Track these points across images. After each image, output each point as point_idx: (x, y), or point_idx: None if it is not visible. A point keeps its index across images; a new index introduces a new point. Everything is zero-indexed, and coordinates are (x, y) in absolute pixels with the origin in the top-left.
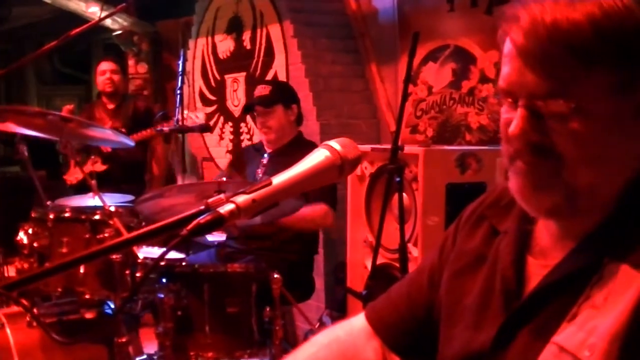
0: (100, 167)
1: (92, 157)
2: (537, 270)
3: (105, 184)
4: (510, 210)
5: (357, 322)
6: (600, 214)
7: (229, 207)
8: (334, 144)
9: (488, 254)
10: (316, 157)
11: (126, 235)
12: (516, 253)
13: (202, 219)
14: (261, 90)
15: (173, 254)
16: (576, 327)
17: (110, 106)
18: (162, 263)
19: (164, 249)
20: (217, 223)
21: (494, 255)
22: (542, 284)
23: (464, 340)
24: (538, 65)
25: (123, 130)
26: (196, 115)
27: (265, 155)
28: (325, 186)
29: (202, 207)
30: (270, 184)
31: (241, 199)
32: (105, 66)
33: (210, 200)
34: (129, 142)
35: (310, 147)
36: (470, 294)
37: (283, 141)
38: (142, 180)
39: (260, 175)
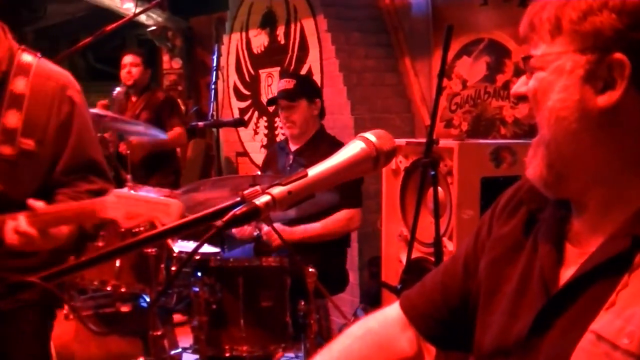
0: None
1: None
2: (574, 258)
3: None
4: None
5: (392, 313)
6: (629, 205)
7: (265, 198)
8: (370, 135)
9: (526, 241)
10: (352, 149)
11: (161, 227)
12: (554, 240)
13: (237, 210)
14: (285, 84)
15: (208, 249)
16: (614, 314)
17: (134, 98)
18: (197, 257)
19: (202, 244)
20: (253, 214)
21: (533, 242)
22: (579, 272)
23: (500, 327)
24: (525, 34)
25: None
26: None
27: (290, 155)
28: (346, 189)
29: (238, 199)
30: (306, 175)
31: (277, 190)
32: (126, 59)
33: (245, 192)
34: (162, 135)
35: (331, 141)
36: (508, 282)
37: (306, 136)
38: (171, 170)
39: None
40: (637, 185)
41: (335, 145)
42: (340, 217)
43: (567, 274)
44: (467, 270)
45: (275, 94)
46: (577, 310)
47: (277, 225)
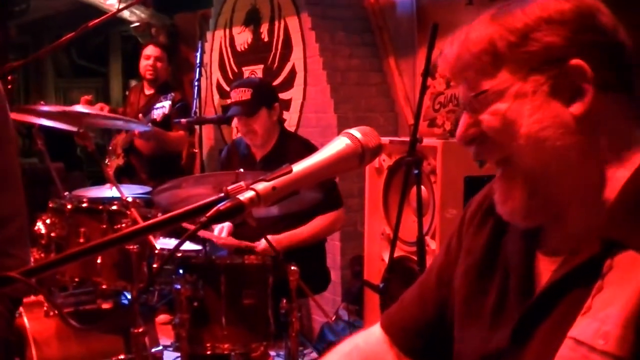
0: (120, 160)
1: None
2: (547, 266)
3: (127, 177)
4: None
5: (375, 330)
6: (598, 209)
7: (249, 194)
8: (355, 132)
9: (499, 251)
10: (337, 145)
11: (143, 223)
12: (525, 250)
13: (221, 206)
14: (241, 94)
15: (190, 246)
16: (590, 318)
17: (148, 91)
18: (179, 254)
19: (185, 240)
20: (237, 210)
21: (505, 252)
22: (552, 280)
23: (481, 339)
24: (456, 76)
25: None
26: (162, 106)
27: (257, 164)
28: (325, 192)
29: (222, 195)
30: (290, 171)
31: (261, 186)
32: (150, 51)
33: (229, 187)
34: (145, 127)
35: (297, 140)
36: (484, 293)
37: (270, 143)
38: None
39: None
40: (609, 187)
41: (305, 143)
42: (323, 221)
43: (542, 283)
44: (441, 282)
45: (230, 104)
46: (556, 318)
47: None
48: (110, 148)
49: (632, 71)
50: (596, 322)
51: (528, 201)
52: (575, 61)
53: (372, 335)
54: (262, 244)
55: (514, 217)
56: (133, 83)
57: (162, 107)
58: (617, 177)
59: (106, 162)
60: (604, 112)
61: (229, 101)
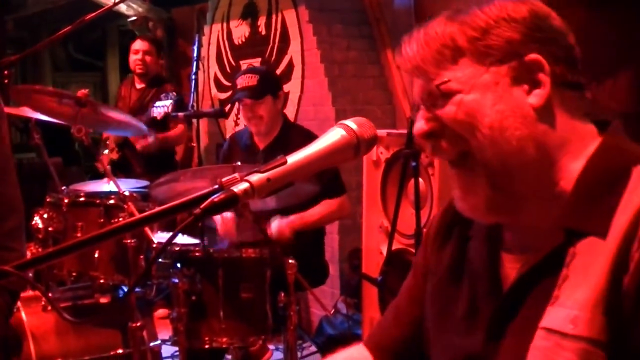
0: (114, 154)
1: (107, 142)
2: (513, 265)
3: (122, 172)
4: None
5: (362, 350)
6: (557, 200)
7: (243, 185)
8: (350, 122)
9: (465, 259)
10: (332, 136)
11: (139, 215)
12: (489, 252)
13: (216, 197)
14: (248, 80)
15: (188, 240)
16: (559, 307)
17: (139, 85)
18: (177, 248)
19: (179, 232)
20: (231, 202)
21: (470, 259)
22: (518, 276)
23: (456, 346)
24: (415, 69)
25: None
26: (164, 105)
27: (259, 154)
28: (326, 181)
29: (216, 186)
30: (285, 162)
31: (255, 177)
32: (139, 45)
33: (224, 179)
34: (143, 127)
35: (299, 131)
36: (456, 303)
37: (273, 132)
38: (167, 171)
39: None
40: (565, 178)
41: (307, 134)
42: (330, 205)
43: (509, 282)
44: (413, 301)
45: (236, 91)
46: (526, 313)
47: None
48: (102, 139)
49: (581, 74)
50: (565, 309)
51: (491, 195)
52: (533, 55)
53: (361, 354)
54: (273, 227)
55: (476, 213)
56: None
57: (164, 107)
58: (572, 169)
59: (105, 152)
60: (559, 105)
61: (232, 97)
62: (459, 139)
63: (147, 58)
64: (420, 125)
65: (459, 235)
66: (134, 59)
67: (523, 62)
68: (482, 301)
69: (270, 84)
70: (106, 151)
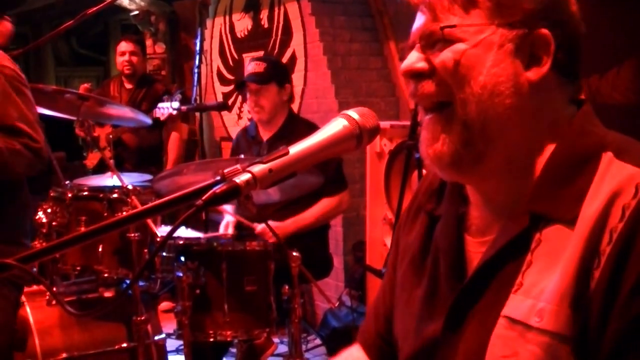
0: (107, 152)
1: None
2: (476, 249)
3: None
4: (443, 193)
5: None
6: (526, 182)
7: (245, 176)
8: (352, 113)
9: (430, 244)
10: (334, 126)
11: (141, 207)
12: (453, 235)
13: (217, 189)
14: (255, 66)
15: (191, 233)
16: (523, 295)
17: (128, 86)
18: (181, 242)
19: (183, 227)
20: (233, 193)
21: (435, 243)
22: (483, 261)
23: (417, 331)
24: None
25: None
26: (171, 106)
27: (263, 144)
28: (329, 175)
29: (218, 178)
30: (287, 153)
31: (257, 168)
32: (124, 47)
33: (226, 170)
34: (147, 119)
35: (306, 124)
36: (418, 287)
37: (277, 123)
38: (155, 166)
39: None
40: (540, 160)
41: (312, 127)
42: (329, 203)
43: (472, 266)
44: (386, 292)
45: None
46: (488, 299)
47: (270, 222)
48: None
49: (579, 65)
50: (529, 299)
51: (459, 149)
52: (544, 31)
53: (361, 352)
54: (260, 225)
55: (438, 162)
56: None
57: (168, 108)
58: (547, 152)
59: (95, 150)
60: (553, 90)
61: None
62: (445, 88)
63: (134, 59)
64: (410, 62)
65: (426, 219)
66: (120, 60)
67: (532, 34)
68: (442, 285)
69: (276, 72)
70: (96, 149)
